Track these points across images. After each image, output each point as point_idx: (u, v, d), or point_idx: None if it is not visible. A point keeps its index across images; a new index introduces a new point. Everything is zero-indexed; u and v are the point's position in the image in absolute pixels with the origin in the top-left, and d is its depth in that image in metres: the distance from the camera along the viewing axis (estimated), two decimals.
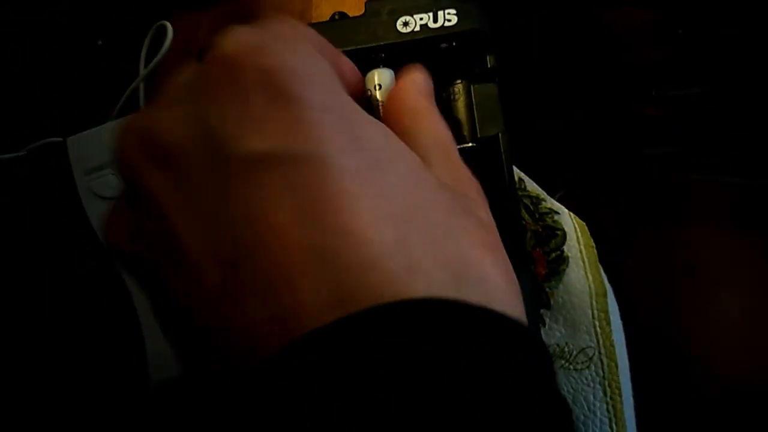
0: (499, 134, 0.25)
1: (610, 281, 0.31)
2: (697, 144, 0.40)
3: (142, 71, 0.38)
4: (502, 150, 0.24)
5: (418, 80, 0.22)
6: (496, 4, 0.30)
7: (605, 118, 0.36)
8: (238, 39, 0.18)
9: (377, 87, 0.23)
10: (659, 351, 0.29)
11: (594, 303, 0.30)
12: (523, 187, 0.33)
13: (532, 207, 0.33)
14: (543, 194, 0.33)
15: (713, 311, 0.36)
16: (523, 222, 0.32)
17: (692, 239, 0.38)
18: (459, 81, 0.26)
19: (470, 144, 0.25)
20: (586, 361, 0.30)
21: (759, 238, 0.37)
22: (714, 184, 0.39)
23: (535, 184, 0.34)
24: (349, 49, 0.24)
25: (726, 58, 0.41)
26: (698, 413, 0.28)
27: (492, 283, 0.17)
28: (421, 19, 0.24)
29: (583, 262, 0.31)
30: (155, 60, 0.37)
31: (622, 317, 0.31)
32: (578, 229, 0.32)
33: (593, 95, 0.38)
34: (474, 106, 0.25)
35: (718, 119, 0.40)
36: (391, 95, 0.22)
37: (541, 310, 0.31)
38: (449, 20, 0.24)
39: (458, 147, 0.22)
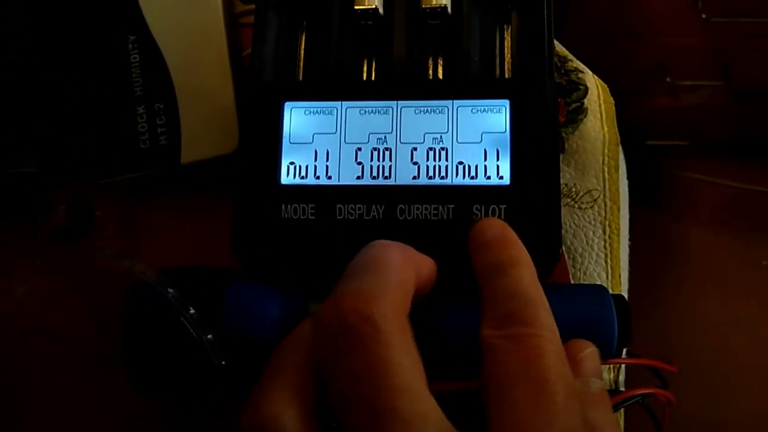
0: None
1: None
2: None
3: None
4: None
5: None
6: None
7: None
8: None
9: None
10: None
11: (606, 150, 0.32)
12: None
13: (559, 64, 0.34)
14: (570, 55, 0.35)
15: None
16: None
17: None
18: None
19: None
20: (590, 202, 0.32)
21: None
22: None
23: (562, 46, 0.35)
24: None
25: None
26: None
27: None
28: None
29: (601, 114, 0.33)
30: None
31: None
32: (600, 88, 0.34)
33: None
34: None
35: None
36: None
37: None
38: None
39: None
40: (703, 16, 0.41)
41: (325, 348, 0.20)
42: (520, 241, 0.24)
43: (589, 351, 0.24)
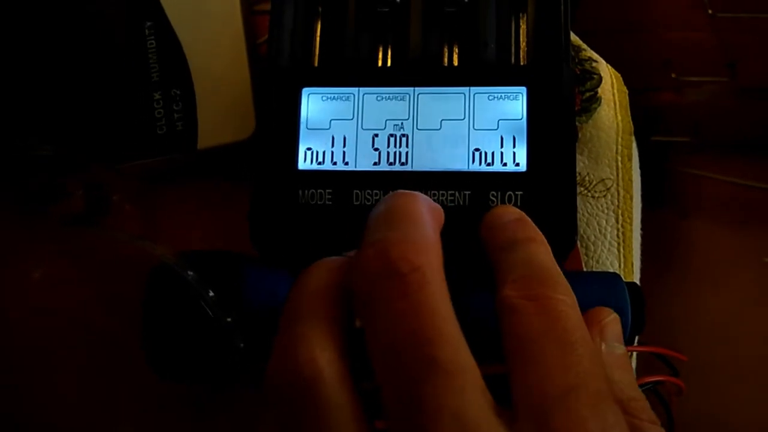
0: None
1: None
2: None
3: None
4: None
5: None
6: None
7: None
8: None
9: None
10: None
11: (619, 139, 0.32)
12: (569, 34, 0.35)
13: (573, 53, 0.34)
14: (584, 45, 0.35)
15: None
16: None
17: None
18: None
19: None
20: (603, 191, 0.32)
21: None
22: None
23: (576, 36, 0.35)
24: None
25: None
26: None
27: None
28: None
29: (615, 103, 0.33)
30: None
31: None
32: (613, 77, 0.34)
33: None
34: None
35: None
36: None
37: None
38: None
39: None
40: (710, 11, 0.40)
41: (370, 295, 0.19)
42: (536, 226, 0.24)
43: (612, 317, 0.24)
